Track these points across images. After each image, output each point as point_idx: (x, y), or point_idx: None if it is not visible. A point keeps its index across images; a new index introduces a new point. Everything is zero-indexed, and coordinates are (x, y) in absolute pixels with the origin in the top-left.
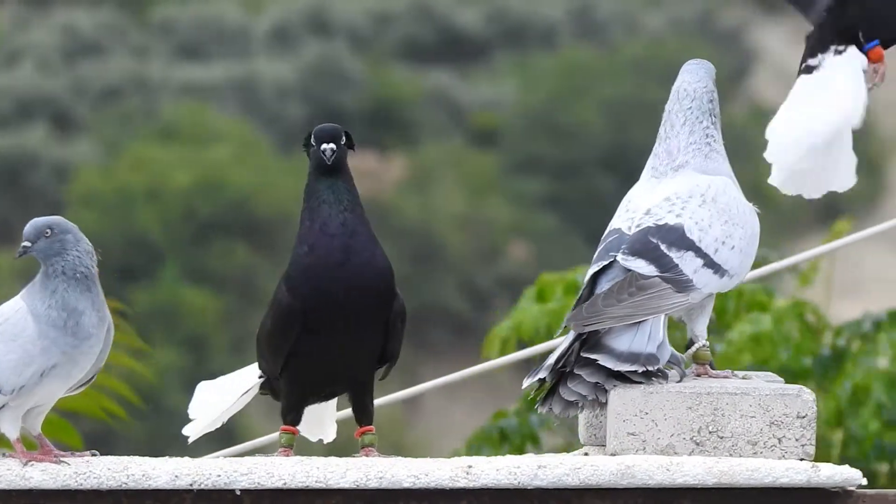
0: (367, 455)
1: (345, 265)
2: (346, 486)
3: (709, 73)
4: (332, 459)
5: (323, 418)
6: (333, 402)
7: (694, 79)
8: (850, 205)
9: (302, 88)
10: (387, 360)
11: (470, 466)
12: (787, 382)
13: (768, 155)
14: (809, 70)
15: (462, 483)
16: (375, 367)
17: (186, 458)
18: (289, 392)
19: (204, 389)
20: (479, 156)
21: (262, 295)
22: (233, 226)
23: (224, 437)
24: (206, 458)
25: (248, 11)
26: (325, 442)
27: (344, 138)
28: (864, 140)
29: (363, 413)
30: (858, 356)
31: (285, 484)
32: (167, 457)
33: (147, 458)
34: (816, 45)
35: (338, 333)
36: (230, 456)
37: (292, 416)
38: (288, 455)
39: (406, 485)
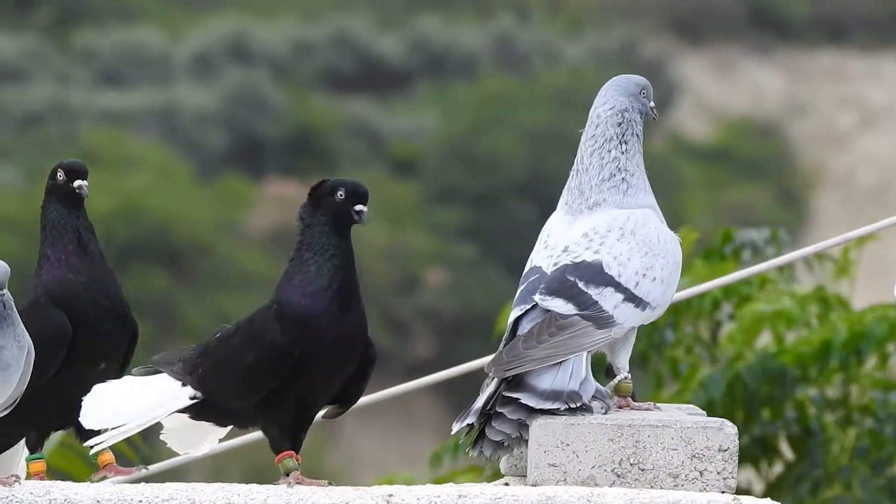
0: (296, 479)
1: (339, 321)
2: None
3: (620, 90)
4: (254, 487)
5: (206, 437)
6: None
7: (600, 101)
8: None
9: (222, 116)
10: (345, 402)
11: (391, 495)
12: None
13: None
14: None
15: None
16: (326, 404)
17: (108, 483)
18: (273, 421)
19: (99, 396)
20: (399, 185)
21: (179, 322)
22: (151, 252)
23: None
24: (127, 484)
25: (170, 39)
26: (191, 455)
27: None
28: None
29: (298, 442)
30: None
31: None
32: (88, 482)
33: (70, 483)
34: None
35: (321, 375)
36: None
37: (284, 442)
38: (300, 480)
39: None
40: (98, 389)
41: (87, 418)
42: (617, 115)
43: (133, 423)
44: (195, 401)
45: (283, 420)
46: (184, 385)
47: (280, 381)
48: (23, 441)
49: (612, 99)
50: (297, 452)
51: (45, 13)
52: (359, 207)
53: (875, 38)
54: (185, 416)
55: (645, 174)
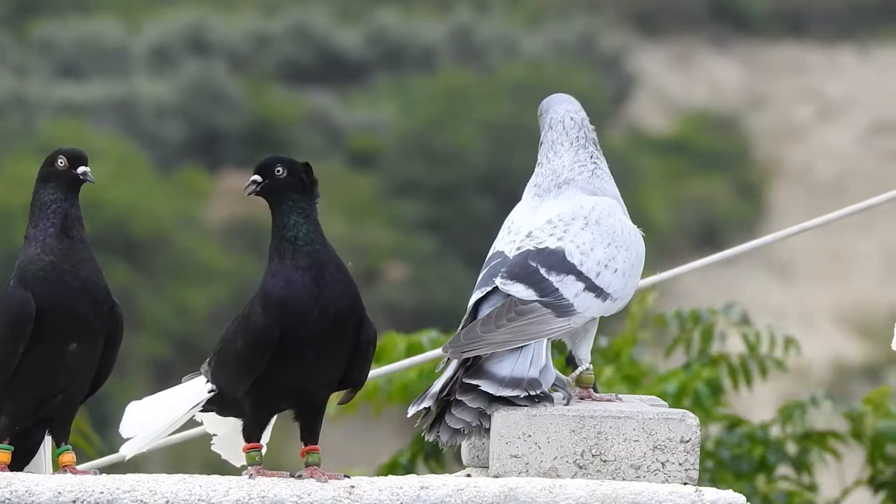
0: (311, 474)
1: (319, 297)
2: None
3: (575, 104)
4: (215, 478)
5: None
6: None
7: (575, 108)
8: (728, 228)
9: (181, 108)
10: (352, 384)
11: (353, 486)
12: None
13: None
14: None
15: (345, 503)
16: (332, 390)
17: (69, 475)
18: (255, 411)
19: (135, 409)
20: (358, 178)
21: (139, 314)
22: (111, 245)
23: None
24: (89, 475)
25: (128, 30)
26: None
27: (281, 171)
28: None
29: (311, 433)
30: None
31: (168, 501)
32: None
33: (31, 475)
34: None
35: (309, 358)
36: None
37: (258, 433)
38: (260, 471)
39: None
40: (133, 404)
41: (125, 429)
42: (588, 124)
43: (163, 421)
44: (212, 393)
45: (265, 411)
46: (207, 381)
47: (266, 366)
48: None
49: (582, 110)
50: (314, 444)
51: (2, 4)
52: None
53: (833, 31)
54: (221, 419)
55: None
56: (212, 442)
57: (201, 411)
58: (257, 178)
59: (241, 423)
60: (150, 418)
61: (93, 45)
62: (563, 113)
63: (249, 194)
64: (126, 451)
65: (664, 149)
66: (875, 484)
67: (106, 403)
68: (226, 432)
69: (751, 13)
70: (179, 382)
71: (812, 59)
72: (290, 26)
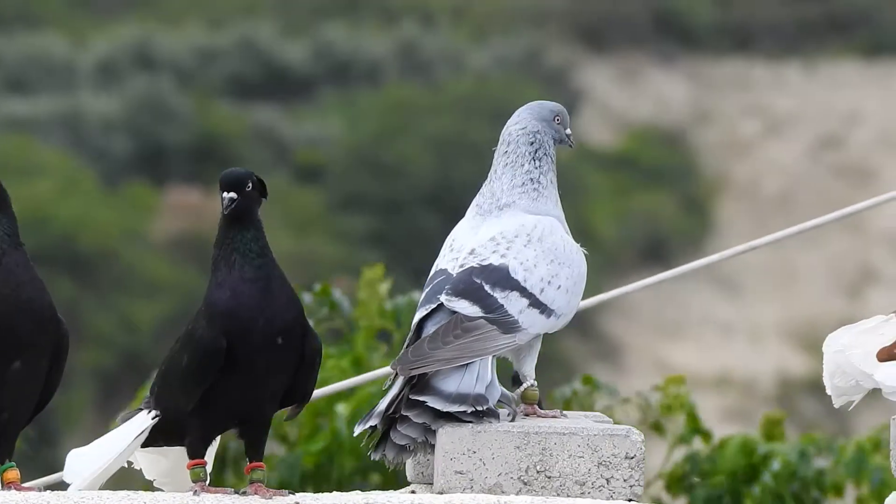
0: (256, 491)
1: (264, 309)
2: None
3: (534, 113)
4: (159, 494)
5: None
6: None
7: (513, 122)
8: (674, 243)
9: (127, 123)
10: (298, 399)
11: (297, 503)
12: None
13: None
14: None
15: None
16: (278, 406)
17: (13, 492)
18: (200, 427)
19: (77, 455)
20: (304, 192)
21: (85, 330)
22: (57, 260)
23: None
24: (33, 492)
25: (75, 46)
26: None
27: (250, 185)
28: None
29: (256, 450)
30: None
31: None
32: None
33: None
34: None
35: (256, 370)
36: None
37: (202, 449)
38: (204, 488)
39: None
40: (74, 451)
41: (69, 476)
42: (529, 135)
43: (108, 456)
44: (157, 419)
45: (212, 426)
46: (148, 410)
47: (213, 379)
48: None
49: (524, 121)
50: (259, 461)
51: None
52: (223, 195)
53: (780, 47)
54: (159, 457)
55: (557, 196)
56: (154, 482)
57: (143, 447)
58: (233, 195)
59: (186, 440)
60: (94, 458)
61: (39, 60)
62: (509, 128)
63: (228, 212)
64: (73, 487)
65: (610, 163)
66: None
67: (51, 418)
68: (166, 468)
69: (697, 28)
70: (116, 424)
71: (758, 75)
72: (236, 41)
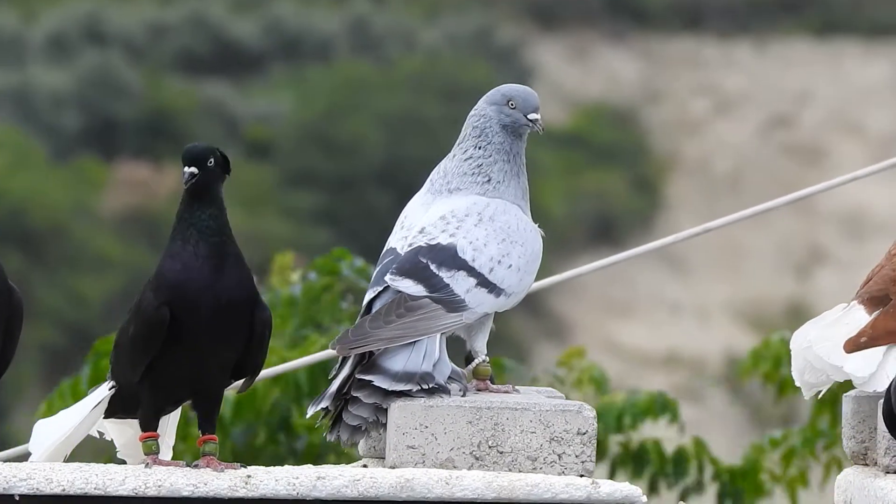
0: (208, 464)
1: (214, 285)
2: (125, 493)
3: (487, 98)
4: (112, 467)
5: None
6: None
7: (483, 107)
8: (624, 222)
9: (77, 98)
10: (249, 372)
11: (249, 476)
12: None
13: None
14: None
15: (241, 493)
16: (229, 379)
17: None
18: (150, 399)
19: (42, 425)
20: (254, 169)
21: (34, 304)
22: (6, 235)
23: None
24: None
25: (24, 20)
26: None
27: (212, 161)
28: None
29: (208, 422)
30: None
31: (64, 490)
32: None
33: None
34: None
35: (202, 344)
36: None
37: (154, 422)
38: (156, 461)
39: (185, 493)
40: (41, 421)
41: (34, 446)
42: (475, 118)
43: (69, 424)
44: (113, 390)
45: (161, 399)
46: (108, 382)
47: (160, 351)
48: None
49: (478, 104)
50: (212, 433)
51: None
52: (184, 170)
53: (731, 25)
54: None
55: (522, 189)
56: (117, 450)
57: (107, 417)
58: (194, 170)
59: (139, 413)
60: (55, 428)
61: None
62: (472, 112)
63: (188, 187)
64: (35, 457)
65: (561, 142)
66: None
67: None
68: (131, 438)
69: (648, 7)
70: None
71: (709, 53)
72: (186, 16)
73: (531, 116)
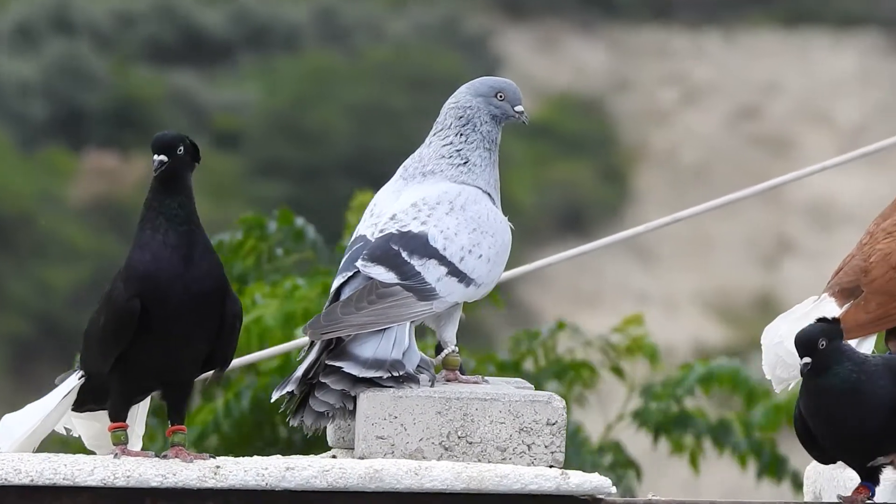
0: (177, 454)
1: (184, 276)
2: (94, 483)
3: (471, 89)
4: (80, 457)
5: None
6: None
7: (451, 97)
8: (593, 212)
9: (44, 87)
10: (219, 363)
11: (218, 467)
12: None
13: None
14: None
15: (210, 483)
16: (199, 369)
17: None
18: (120, 389)
19: (10, 418)
20: (222, 158)
21: (2, 295)
22: None
23: None
24: None
25: None
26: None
27: (182, 149)
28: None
29: (178, 413)
30: None
31: (32, 481)
32: None
33: None
34: None
35: (173, 335)
36: None
37: (123, 412)
38: (125, 451)
39: (153, 484)
40: (8, 416)
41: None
42: (459, 109)
43: (38, 416)
44: (83, 380)
45: (131, 390)
46: (78, 372)
47: (130, 342)
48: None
49: (459, 95)
50: (180, 424)
51: None
52: (154, 158)
53: (699, 16)
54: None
55: (494, 176)
56: (87, 444)
57: (76, 410)
58: (163, 157)
59: (108, 403)
60: (24, 420)
61: None
62: (449, 102)
63: (158, 174)
64: (4, 449)
65: (529, 132)
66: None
67: None
68: (99, 431)
69: None
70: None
71: (677, 44)
72: (154, 5)
73: (518, 108)
